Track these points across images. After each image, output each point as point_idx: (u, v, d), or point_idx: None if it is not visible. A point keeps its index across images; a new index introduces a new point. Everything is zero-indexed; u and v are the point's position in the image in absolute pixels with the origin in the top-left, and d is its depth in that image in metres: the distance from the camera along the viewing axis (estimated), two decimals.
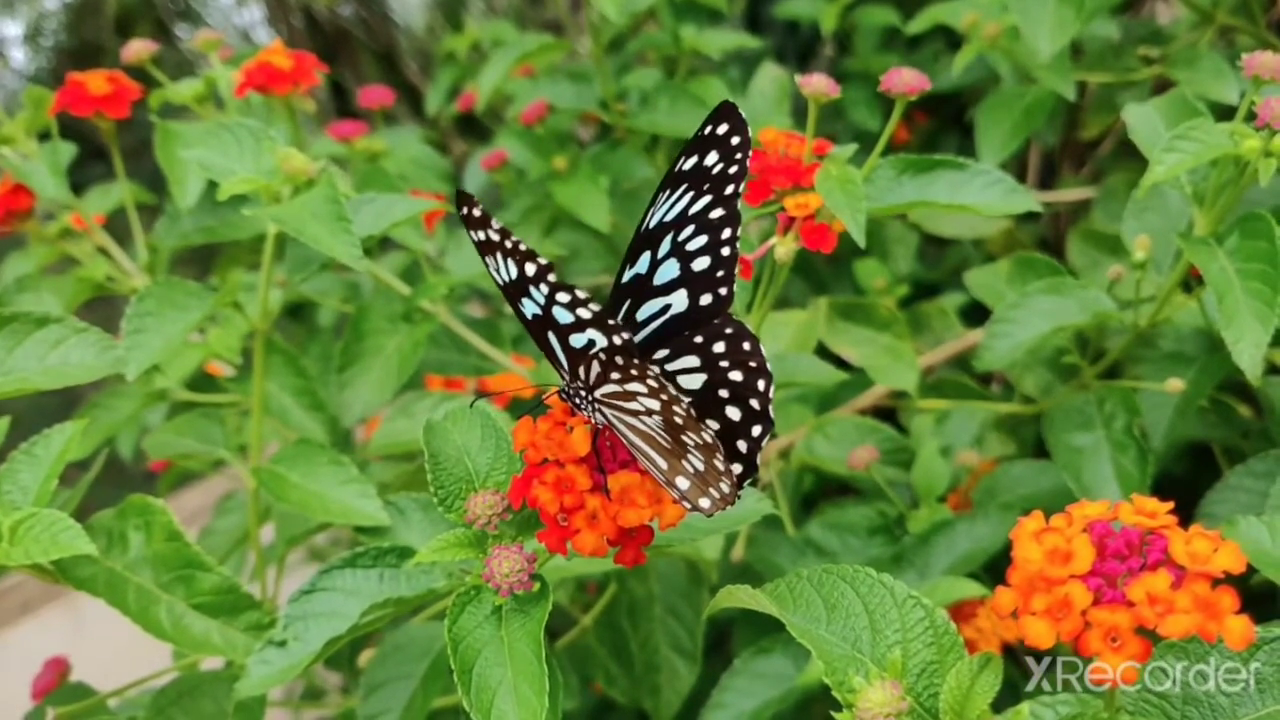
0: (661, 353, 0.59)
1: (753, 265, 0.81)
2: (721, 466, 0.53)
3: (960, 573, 0.91)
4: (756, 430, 0.57)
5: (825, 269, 1.55)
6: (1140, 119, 0.86)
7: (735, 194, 0.59)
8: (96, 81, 1.00)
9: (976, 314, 1.25)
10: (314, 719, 0.95)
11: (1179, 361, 0.95)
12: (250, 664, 0.64)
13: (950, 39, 1.62)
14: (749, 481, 0.57)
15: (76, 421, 0.73)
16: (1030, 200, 0.80)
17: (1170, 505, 0.45)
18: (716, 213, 0.59)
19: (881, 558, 0.98)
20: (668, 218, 0.59)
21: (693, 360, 0.58)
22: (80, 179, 1.33)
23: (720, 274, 0.59)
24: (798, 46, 1.99)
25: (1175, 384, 0.88)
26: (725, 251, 0.59)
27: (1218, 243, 0.79)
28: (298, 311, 1.51)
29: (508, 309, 1.70)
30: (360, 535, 0.77)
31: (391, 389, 0.99)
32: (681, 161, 0.59)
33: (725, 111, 0.59)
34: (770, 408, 0.56)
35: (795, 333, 1.16)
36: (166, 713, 0.75)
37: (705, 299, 0.59)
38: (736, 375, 0.57)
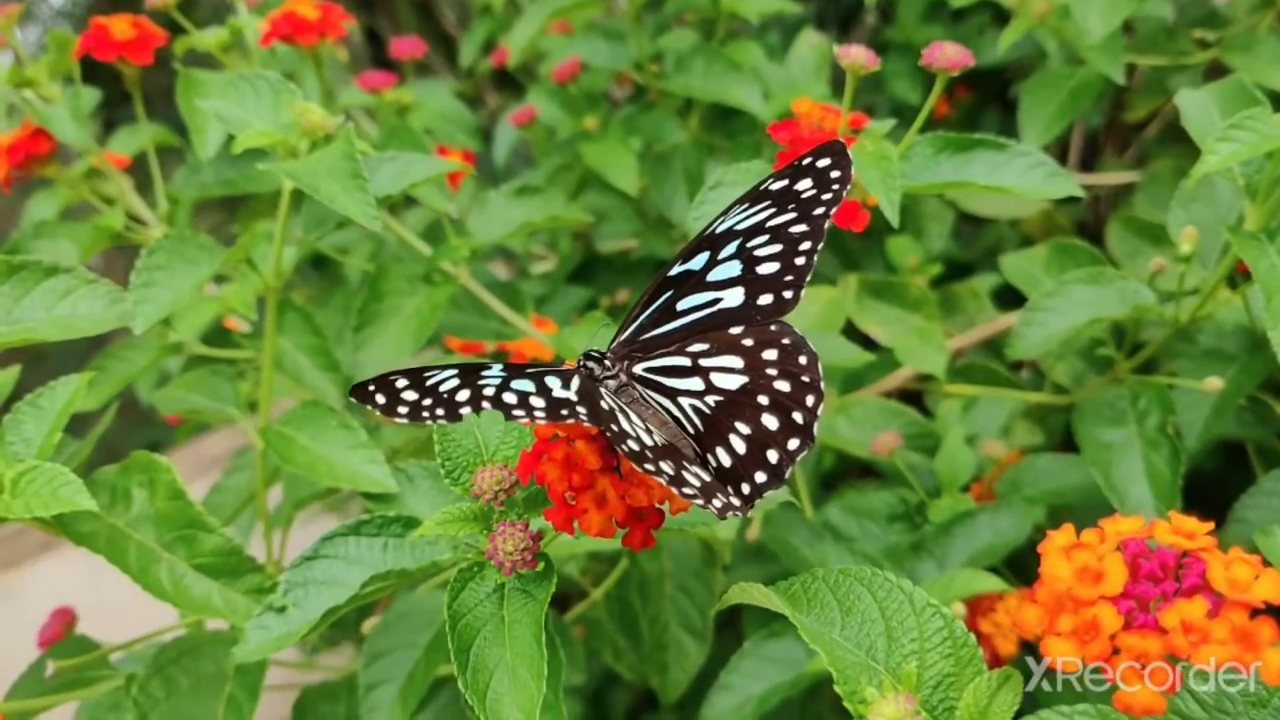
0: (699, 345, 0.58)
1: None
2: (724, 500, 0.52)
3: (980, 565, 0.89)
4: (794, 444, 0.55)
5: (857, 244, 1.52)
6: (1194, 106, 0.83)
7: (825, 215, 0.58)
8: (120, 26, 0.98)
9: (1009, 296, 1.22)
10: (318, 679, 0.94)
11: (1218, 359, 0.92)
12: (248, 629, 0.63)
13: (997, 12, 1.57)
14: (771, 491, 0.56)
15: (82, 374, 0.71)
16: (1072, 185, 0.77)
17: (1210, 526, 0.42)
18: (799, 228, 0.58)
19: (900, 545, 0.96)
20: (739, 226, 0.59)
21: (735, 361, 0.57)
22: (116, 118, 1.31)
23: (789, 278, 0.58)
24: (840, 13, 1.94)
25: (1214, 383, 0.85)
26: (800, 261, 0.58)
27: (1269, 239, 0.75)
28: (322, 262, 1.49)
29: (532, 270, 1.68)
30: (367, 501, 0.75)
31: (409, 351, 0.97)
32: (770, 183, 0.59)
33: (832, 149, 0.59)
34: (815, 425, 0.55)
35: (823, 309, 1.14)
36: (166, 672, 0.74)
37: (765, 299, 0.58)
38: (784, 385, 0.55)
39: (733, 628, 1.12)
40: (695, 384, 0.57)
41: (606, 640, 1.00)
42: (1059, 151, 1.60)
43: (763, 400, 0.55)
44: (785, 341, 0.56)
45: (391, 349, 0.97)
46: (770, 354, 0.56)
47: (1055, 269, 0.97)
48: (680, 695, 0.96)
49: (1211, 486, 1.09)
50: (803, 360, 0.56)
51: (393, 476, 0.75)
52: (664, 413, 0.57)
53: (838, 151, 0.59)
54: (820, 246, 0.58)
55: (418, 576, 0.62)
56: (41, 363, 0.81)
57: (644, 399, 0.58)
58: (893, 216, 0.72)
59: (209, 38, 1.05)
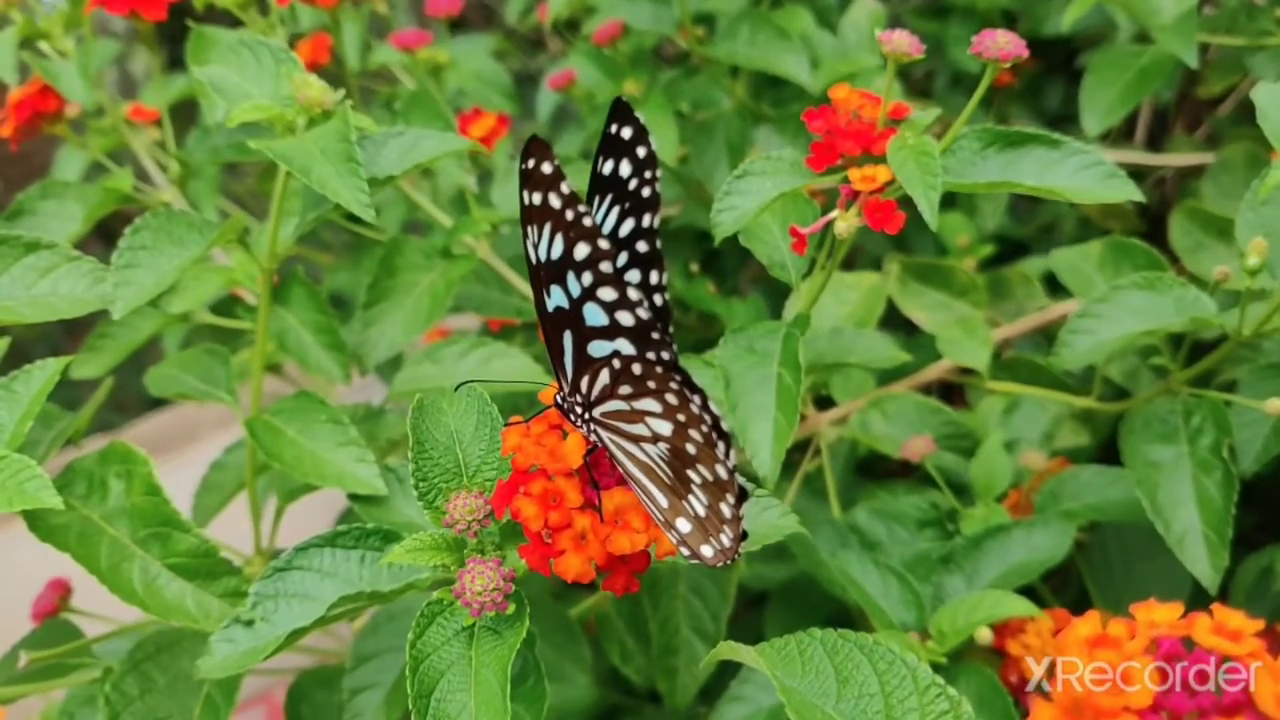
0: (625, 388, 0.48)
1: (808, 240, 0.73)
2: (728, 512, 0.46)
3: (1012, 584, 0.83)
4: (731, 499, 0.48)
5: (907, 221, 1.45)
6: (1271, 101, 0.75)
7: (654, 229, 0.49)
8: None
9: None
10: (310, 664, 0.91)
11: None
12: (214, 641, 0.59)
13: None
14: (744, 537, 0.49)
15: (60, 359, 0.68)
16: (1129, 189, 0.70)
17: (1259, 625, 0.37)
18: (642, 246, 0.50)
19: (929, 555, 0.90)
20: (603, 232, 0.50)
21: (655, 405, 0.48)
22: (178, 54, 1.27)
23: (658, 326, 0.48)
24: None
25: (1276, 405, 0.79)
26: (658, 299, 0.50)
27: None
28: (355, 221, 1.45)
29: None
30: (355, 503, 0.71)
31: (419, 329, 0.93)
32: (600, 164, 0.50)
33: (619, 111, 0.49)
34: (735, 475, 0.47)
35: (862, 297, 1.08)
36: (142, 667, 0.71)
37: (650, 355, 0.49)
38: (696, 435, 0.47)
39: (744, 631, 1.08)
40: (643, 429, 0.49)
41: (615, 640, 0.96)
42: (1126, 126, 1.51)
43: (690, 450, 0.48)
44: (678, 378, 0.47)
45: (403, 326, 0.93)
46: (671, 399, 0.47)
47: (1110, 269, 0.91)
48: (689, 701, 0.92)
49: (1265, 492, 1.03)
50: (697, 399, 0.47)
51: (382, 477, 0.71)
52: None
53: (625, 112, 0.48)
54: (665, 279, 0.48)
55: (392, 598, 0.58)
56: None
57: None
58: (931, 219, 0.66)
59: None
